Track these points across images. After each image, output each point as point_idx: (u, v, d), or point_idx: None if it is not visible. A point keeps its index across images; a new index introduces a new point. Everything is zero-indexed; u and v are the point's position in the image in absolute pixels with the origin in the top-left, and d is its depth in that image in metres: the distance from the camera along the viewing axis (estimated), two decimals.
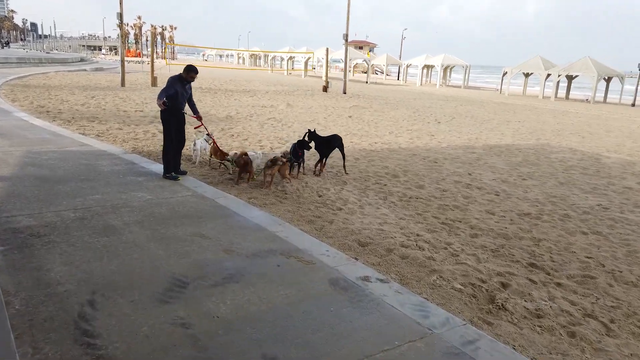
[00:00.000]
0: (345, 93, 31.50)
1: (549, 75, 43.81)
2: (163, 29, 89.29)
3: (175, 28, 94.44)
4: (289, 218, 6.52)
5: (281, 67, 67.31)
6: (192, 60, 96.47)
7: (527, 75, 49.08)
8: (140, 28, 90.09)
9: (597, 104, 40.17)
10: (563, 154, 12.85)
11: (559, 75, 42.46)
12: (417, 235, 6.18)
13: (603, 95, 43.50)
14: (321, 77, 54.39)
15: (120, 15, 25.13)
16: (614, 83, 43.79)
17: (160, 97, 7.59)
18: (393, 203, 7.65)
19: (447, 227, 6.63)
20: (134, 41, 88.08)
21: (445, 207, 7.52)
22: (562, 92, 45.42)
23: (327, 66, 34.13)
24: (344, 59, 32.69)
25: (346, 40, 32.06)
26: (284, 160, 7.96)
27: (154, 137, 12.00)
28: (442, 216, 7.09)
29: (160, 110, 7.84)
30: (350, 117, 18.77)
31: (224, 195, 7.25)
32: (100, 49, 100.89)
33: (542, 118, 23.45)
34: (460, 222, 6.89)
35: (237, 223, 6.01)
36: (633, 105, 40.37)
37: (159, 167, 8.59)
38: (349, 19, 31.19)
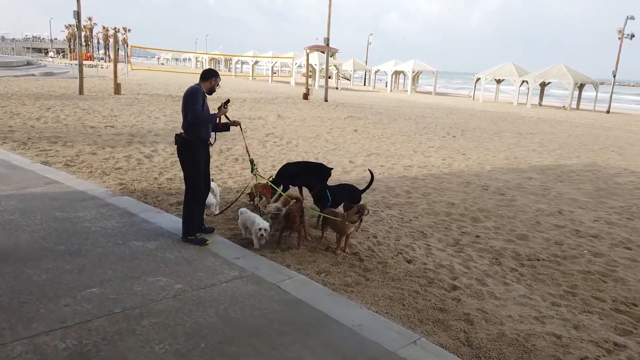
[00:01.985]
0: (326, 101, 29.33)
1: (523, 82, 43.34)
2: (116, 31, 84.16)
3: (129, 30, 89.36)
4: (403, 316, 4.20)
5: (241, 72, 64.54)
6: (148, 64, 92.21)
7: (499, 81, 48.61)
8: (91, 30, 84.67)
9: (572, 110, 39.80)
10: (629, 178, 11.10)
11: (535, 82, 41.94)
12: (615, 344, 4.00)
13: (575, 102, 43.31)
14: (288, 82, 52.43)
15: (78, 14, 21.92)
16: (585, 90, 43.79)
17: (197, 111, 5.17)
18: (516, 271, 5.46)
19: (633, 320, 4.48)
20: (84, 43, 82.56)
21: (591, 277, 5.40)
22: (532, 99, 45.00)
23: (307, 72, 31.79)
24: (315, 65, 30.67)
25: (327, 44, 29.93)
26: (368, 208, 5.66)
27: (141, 165, 9.35)
28: (604, 295, 4.95)
29: (181, 144, 5.34)
30: (355, 130, 16.55)
31: (285, 273, 4.82)
32: (47, 52, 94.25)
33: (542, 128, 22.06)
34: (637, 305, 4.77)
35: (345, 344, 3.62)
36: (608, 112, 40.23)
37: (168, 220, 6.09)
38: (330, 23, 29.08)
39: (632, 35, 40.22)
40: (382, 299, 4.52)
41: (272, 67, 55.59)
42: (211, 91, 5.44)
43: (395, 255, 5.68)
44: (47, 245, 5.03)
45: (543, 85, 44.79)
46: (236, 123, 5.90)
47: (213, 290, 4.30)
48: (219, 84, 5.51)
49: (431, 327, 4.06)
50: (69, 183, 7.53)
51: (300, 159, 11.04)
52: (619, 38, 39.88)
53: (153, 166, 9.34)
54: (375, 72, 59.98)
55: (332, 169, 7.61)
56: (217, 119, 5.49)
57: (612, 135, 21.08)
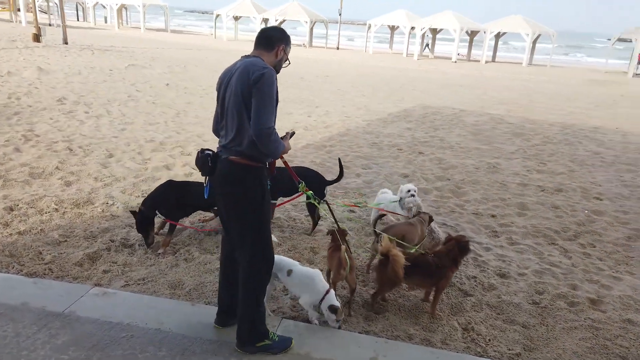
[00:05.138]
0: (67, 43, 23.40)
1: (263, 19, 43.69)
2: None
3: None
4: None
5: None
6: None
7: (237, 18, 47.90)
8: None
9: (310, 48, 42.40)
10: (473, 118, 11.88)
11: (276, 20, 42.70)
12: None
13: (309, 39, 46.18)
14: None
15: None
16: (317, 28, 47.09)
17: (272, 123, 2.67)
18: (590, 256, 4.90)
19: None
20: None
21: None
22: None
23: (35, 7, 24.25)
24: None
25: None
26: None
27: None
28: None
29: (240, 176, 2.72)
30: (167, 85, 13.33)
31: None
32: None
33: (325, 69, 22.48)
34: None
35: None
36: (337, 48, 44.38)
37: (141, 304, 3.41)
38: None
39: None
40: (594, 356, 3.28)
41: None
42: (276, 71, 2.86)
43: (480, 270, 4.38)
44: None
45: (281, 22, 46.08)
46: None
47: None
48: (288, 57, 2.92)
49: None
50: None
51: (150, 137, 8.05)
52: None
53: None
54: (94, 5, 51.16)
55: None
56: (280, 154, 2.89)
57: (377, 72, 22.91)
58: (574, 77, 28.13)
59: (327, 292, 3.20)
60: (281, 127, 9.50)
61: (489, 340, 3.37)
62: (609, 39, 44.34)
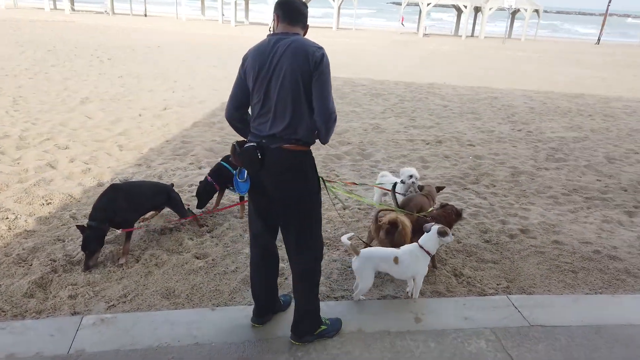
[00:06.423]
0: None
1: None
2: None
3: None
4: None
5: None
6: None
7: None
8: None
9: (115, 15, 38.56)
10: None
11: None
12: None
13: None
14: None
15: None
16: None
17: (333, 114, 2.52)
18: (518, 197, 5.76)
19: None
20: None
21: (535, 179, 6.33)
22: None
23: None
24: None
25: None
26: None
27: None
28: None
29: (305, 165, 2.55)
30: (4, 75, 10.88)
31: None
32: None
33: (147, 40, 20.82)
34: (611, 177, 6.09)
35: None
36: (145, 15, 41.18)
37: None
38: None
39: None
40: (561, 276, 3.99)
41: None
42: None
43: None
44: None
45: None
46: None
47: None
48: None
49: None
50: None
51: (0, 133, 6.70)
52: None
53: None
54: None
55: None
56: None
57: (208, 41, 22.12)
58: (380, 39, 31.13)
59: (419, 244, 3.25)
60: (153, 105, 8.71)
61: (480, 280, 3.81)
62: (400, 4, 49.83)
